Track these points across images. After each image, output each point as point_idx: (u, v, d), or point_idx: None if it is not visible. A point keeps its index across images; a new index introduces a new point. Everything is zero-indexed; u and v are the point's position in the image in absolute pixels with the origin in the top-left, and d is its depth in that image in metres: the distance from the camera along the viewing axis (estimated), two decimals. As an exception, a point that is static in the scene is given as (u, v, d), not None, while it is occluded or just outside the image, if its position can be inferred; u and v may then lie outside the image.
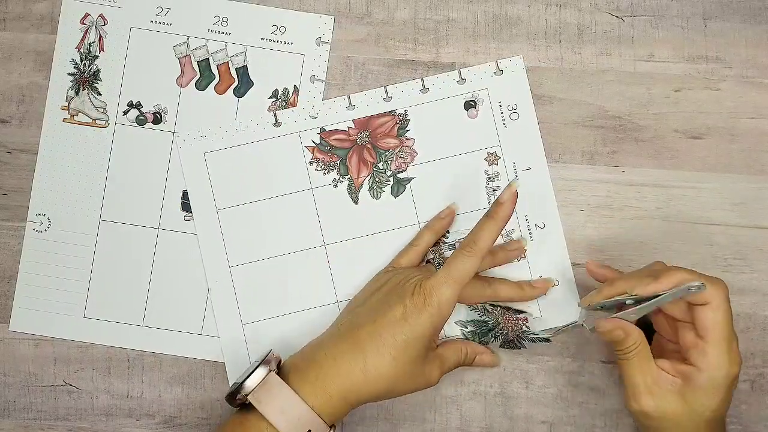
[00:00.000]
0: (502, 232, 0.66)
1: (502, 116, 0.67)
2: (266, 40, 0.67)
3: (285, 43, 0.67)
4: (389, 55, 0.67)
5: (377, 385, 0.57)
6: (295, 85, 0.67)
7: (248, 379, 0.57)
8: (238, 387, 0.57)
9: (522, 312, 0.65)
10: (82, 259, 0.67)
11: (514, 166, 0.67)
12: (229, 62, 0.67)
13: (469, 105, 0.67)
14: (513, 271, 0.66)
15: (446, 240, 0.66)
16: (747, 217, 0.66)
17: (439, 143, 0.67)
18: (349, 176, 0.67)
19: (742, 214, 0.66)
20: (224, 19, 0.67)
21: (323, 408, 0.57)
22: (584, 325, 0.61)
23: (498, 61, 0.67)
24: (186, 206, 0.67)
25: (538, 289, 0.65)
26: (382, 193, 0.67)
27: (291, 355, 0.60)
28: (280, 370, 0.59)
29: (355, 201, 0.67)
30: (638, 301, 0.58)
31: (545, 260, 0.66)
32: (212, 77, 0.67)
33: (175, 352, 0.67)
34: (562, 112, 0.67)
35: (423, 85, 0.67)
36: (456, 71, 0.67)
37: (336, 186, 0.67)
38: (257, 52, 0.67)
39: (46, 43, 0.67)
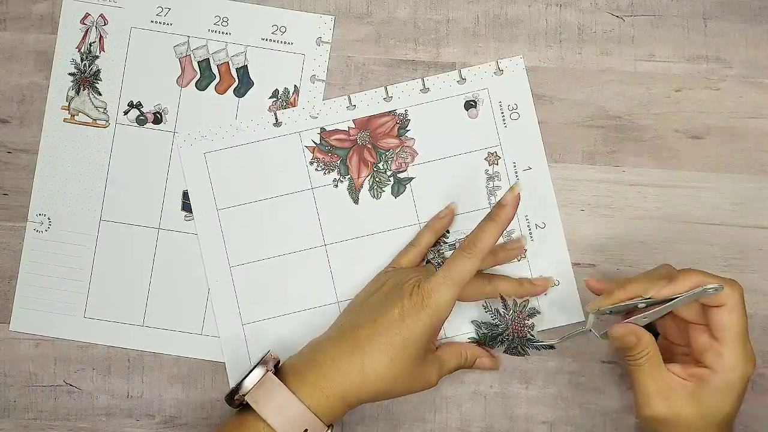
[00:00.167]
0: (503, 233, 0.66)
1: (503, 116, 0.67)
2: (266, 40, 0.67)
3: (285, 43, 0.67)
4: (389, 55, 0.67)
5: (375, 386, 0.57)
6: (295, 85, 0.67)
7: (246, 380, 0.57)
8: (236, 387, 0.57)
9: (534, 314, 0.64)
10: (83, 259, 0.67)
11: (515, 166, 0.67)
12: (230, 62, 0.67)
13: (470, 105, 0.67)
14: (513, 271, 0.66)
15: (446, 240, 0.66)
16: (747, 217, 0.66)
17: (440, 143, 0.67)
18: (349, 176, 0.67)
19: (743, 214, 0.66)
20: (224, 19, 0.67)
21: (320, 408, 0.57)
22: (592, 330, 0.60)
23: (498, 61, 0.67)
24: (186, 206, 0.67)
25: (538, 287, 0.65)
26: (382, 193, 0.67)
27: (290, 356, 0.60)
28: (279, 370, 0.59)
29: (356, 201, 0.67)
30: (650, 305, 0.57)
31: (545, 260, 0.66)
32: (212, 77, 0.67)
33: (175, 352, 0.67)
34: (562, 111, 0.67)
35: (423, 85, 0.67)
36: (456, 71, 0.67)
37: (336, 186, 0.67)
38: (257, 52, 0.67)
39: (47, 43, 0.67)
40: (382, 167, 0.67)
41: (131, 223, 0.67)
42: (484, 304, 0.64)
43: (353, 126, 0.67)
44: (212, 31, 0.67)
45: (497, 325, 0.64)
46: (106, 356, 0.67)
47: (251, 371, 0.57)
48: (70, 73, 0.67)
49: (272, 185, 0.67)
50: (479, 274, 0.64)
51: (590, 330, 0.60)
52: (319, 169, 0.67)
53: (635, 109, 0.67)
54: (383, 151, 0.67)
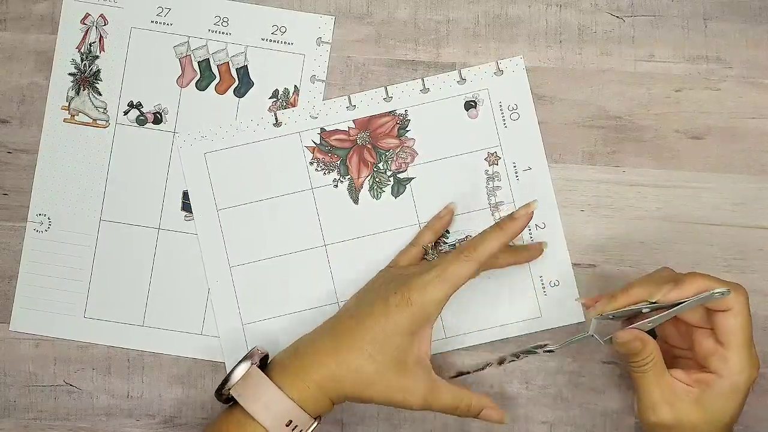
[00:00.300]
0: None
1: (503, 116, 0.67)
2: (267, 40, 0.67)
3: (285, 43, 0.67)
4: (389, 56, 0.67)
5: (354, 379, 0.57)
6: (295, 85, 0.67)
7: (232, 374, 0.58)
8: (223, 382, 0.58)
9: (546, 350, 0.62)
10: (83, 259, 0.67)
11: (515, 167, 0.67)
12: (230, 62, 0.67)
13: (470, 105, 0.67)
14: (514, 271, 0.66)
15: (446, 240, 0.66)
16: (747, 217, 0.66)
17: (440, 143, 0.67)
18: (349, 176, 0.67)
19: (743, 214, 0.66)
20: (225, 20, 0.67)
21: (304, 400, 0.57)
22: (595, 336, 0.59)
23: (498, 61, 0.67)
24: (186, 206, 0.67)
25: (534, 251, 0.65)
26: (382, 194, 0.67)
27: (279, 351, 0.61)
28: (268, 365, 0.60)
29: (356, 201, 0.67)
30: (654, 309, 0.56)
31: (545, 260, 0.66)
32: (213, 77, 0.67)
33: (175, 352, 0.67)
34: (562, 112, 0.67)
35: (423, 85, 0.67)
36: (456, 71, 0.67)
37: (336, 186, 0.67)
38: (258, 52, 0.67)
39: (47, 43, 0.67)
40: (382, 167, 0.67)
41: (131, 223, 0.67)
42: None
43: (353, 126, 0.67)
44: (212, 32, 0.67)
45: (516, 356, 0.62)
46: (106, 356, 0.67)
47: (237, 366, 0.58)
48: (70, 73, 0.67)
49: (272, 185, 0.67)
50: None
51: (592, 335, 0.59)
52: (319, 169, 0.67)
53: (635, 110, 0.67)
54: (383, 152, 0.67)
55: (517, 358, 0.62)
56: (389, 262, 0.66)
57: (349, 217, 0.67)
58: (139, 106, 0.67)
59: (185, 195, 0.67)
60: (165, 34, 0.67)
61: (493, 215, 0.66)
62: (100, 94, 0.67)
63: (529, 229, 0.66)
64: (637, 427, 0.66)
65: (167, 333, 0.67)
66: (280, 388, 0.57)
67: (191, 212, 0.67)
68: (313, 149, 0.67)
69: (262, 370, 0.58)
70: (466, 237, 0.66)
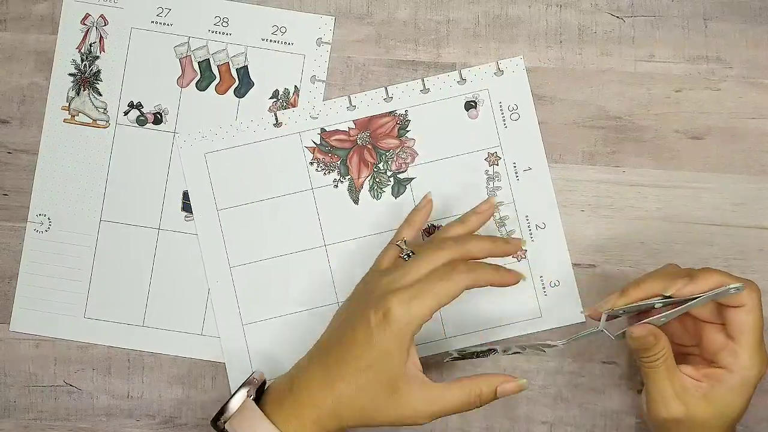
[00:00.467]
0: (503, 232, 0.66)
1: (503, 116, 0.67)
2: (267, 40, 0.67)
3: (285, 43, 0.67)
4: (390, 56, 0.67)
5: (350, 413, 0.56)
6: (295, 86, 0.67)
7: (229, 403, 0.57)
8: (220, 411, 0.57)
9: (550, 347, 0.61)
10: (83, 259, 0.67)
11: (515, 167, 0.67)
12: (230, 63, 0.67)
13: (470, 105, 0.67)
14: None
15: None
16: (747, 217, 0.66)
17: (440, 144, 0.67)
18: (349, 176, 0.67)
19: (743, 214, 0.66)
20: (225, 20, 0.67)
21: None
22: (605, 331, 0.58)
23: (498, 61, 0.67)
24: (186, 206, 0.67)
25: (511, 245, 0.61)
26: (382, 194, 0.67)
27: (276, 378, 0.59)
28: (264, 393, 0.59)
29: (356, 201, 0.67)
30: (666, 305, 0.56)
31: (546, 261, 0.66)
32: (213, 78, 0.67)
33: (175, 352, 0.67)
34: (562, 112, 0.67)
35: (423, 85, 0.67)
36: (456, 71, 0.67)
37: (336, 186, 0.67)
38: (258, 53, 0.67)
39: (47, 43, 0.67)
40: (382, 167, 0.67)
41: (131, 223, 0.67)
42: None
43: (353, 126, 0.67)
44: (212, 32, 0.67)
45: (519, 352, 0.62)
46: (106, 356, 0.67)
47: (234, 394, 0.57)
48: (70, 74, 0.67)
49: (272, 185, 0.67)
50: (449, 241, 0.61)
51: (602, 330, 0.58)
52: (319, 169, 0.67)
53: (635, 110, 0.67)
54: (383, 152, 0.67)
55: (523, 350, 0.61)
56: (372, 264, 0.63)
57: (350, 217, 0.67)
58: (139, 106, 0.67)
59: (185, 195, 0.67)
60: (165, 34, 0.67)
61: (493, 215, 0.66)
62: (101, 95, 0.67)
63: (530, 230, 0.66)
64: (637, 427, 0.66)
65: (167, 333, 0.67)
66: (275, 425, 0.55)
67: (191, 212, 0.67)
68: (314, 149, 0.67)
69: (259, 397, 0.58)
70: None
